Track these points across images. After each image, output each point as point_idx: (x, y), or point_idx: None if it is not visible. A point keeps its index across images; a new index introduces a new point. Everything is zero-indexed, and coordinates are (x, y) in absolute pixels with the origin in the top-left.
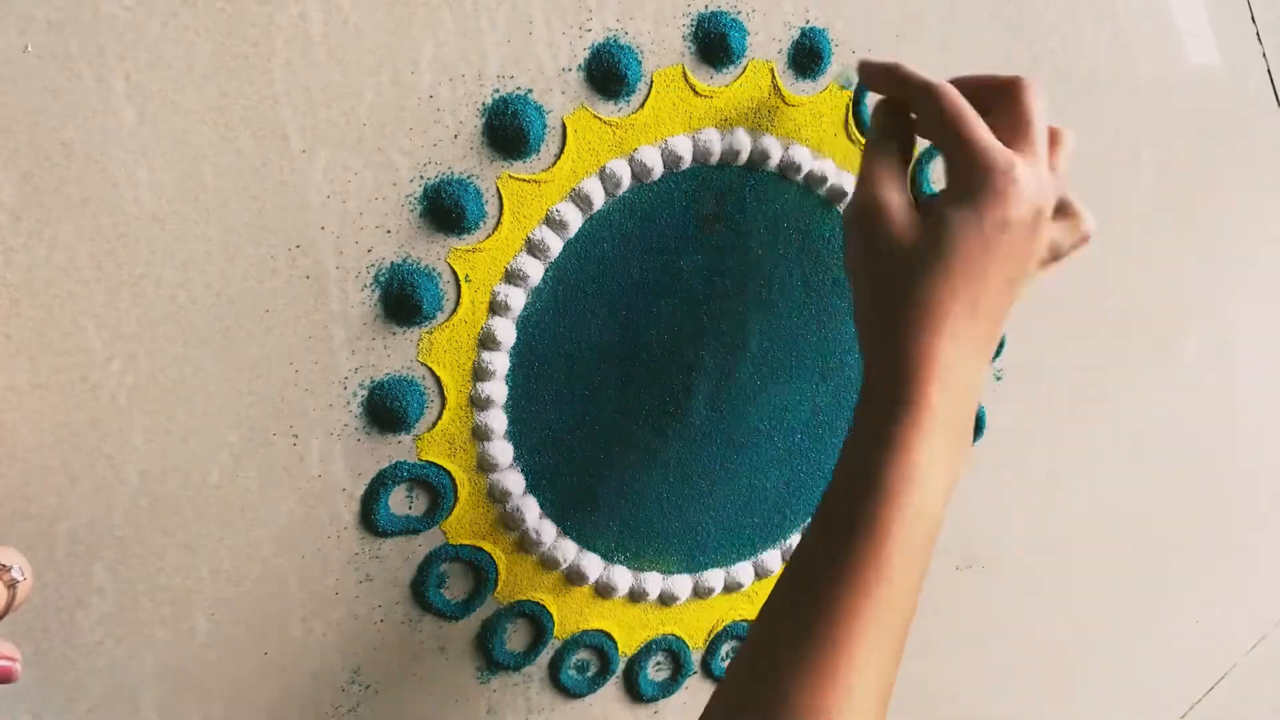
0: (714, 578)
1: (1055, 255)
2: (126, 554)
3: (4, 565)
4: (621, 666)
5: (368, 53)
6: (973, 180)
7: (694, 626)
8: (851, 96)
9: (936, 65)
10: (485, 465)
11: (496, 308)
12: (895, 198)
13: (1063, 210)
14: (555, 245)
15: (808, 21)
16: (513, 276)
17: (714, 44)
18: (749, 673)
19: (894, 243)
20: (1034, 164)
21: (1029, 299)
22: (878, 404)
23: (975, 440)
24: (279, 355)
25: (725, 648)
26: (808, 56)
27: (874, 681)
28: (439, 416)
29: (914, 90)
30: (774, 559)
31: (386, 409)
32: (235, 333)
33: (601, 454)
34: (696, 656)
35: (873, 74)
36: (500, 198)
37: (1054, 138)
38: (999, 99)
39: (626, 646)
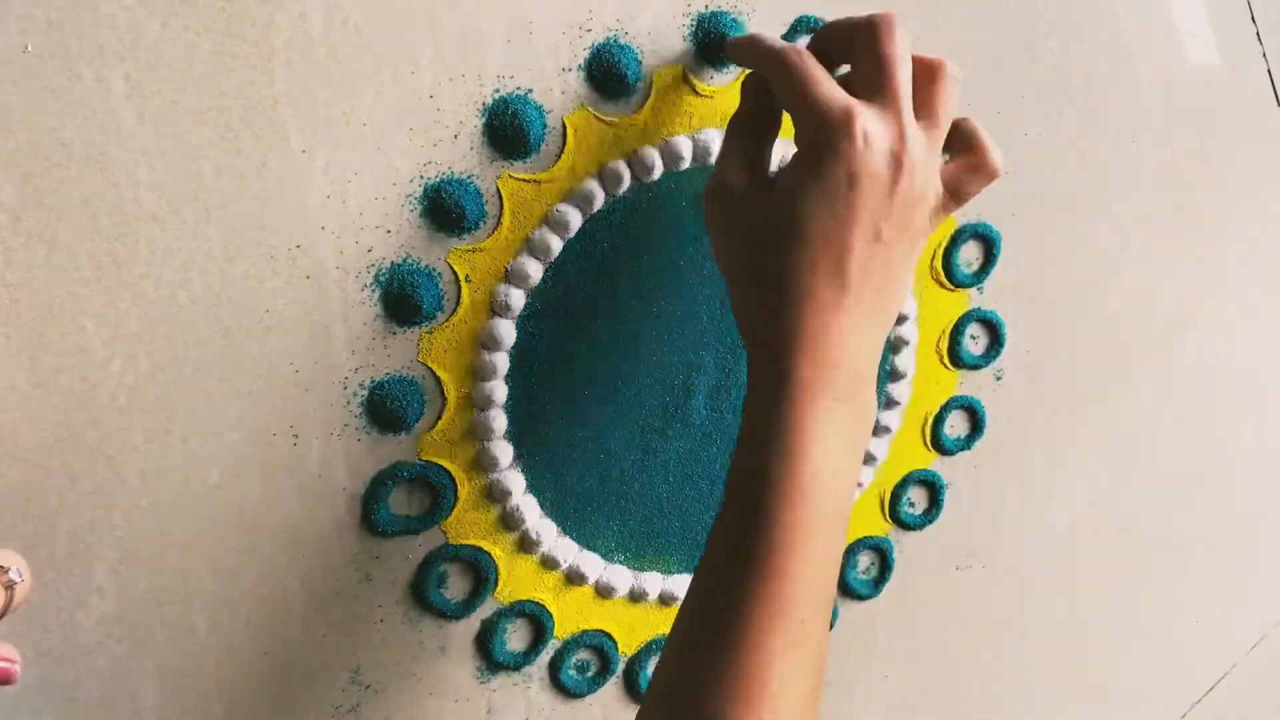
0: None
1: (957, 197)
2: (126, 554)
3: (2, 566)
4: (621, 666)
5: (368, 53)
6: (811, 139)
7: None
8: None
9: None
10: (485, 465)
11: (496, 308)
12: (740, 175)
13: (965, 146)
14: (555, 245)
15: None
16: (513, 276)
17: (714, 44)
18: (668, 684)
19: (743, 221)
20: (885, 110)
21: (1022, 301)
22: (756, 388)
23: (975, 440)
24: (279, 355)
25: None
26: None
27: (793, 677)
28: (439, 416)
29: (763, 58)
30: None
31: (386, 409)
32: (235, 332)
33: (602, 454)
34: None
35: (735, 49)
36: (500, 198)
37: (931, 71)
38: (859, 45)
39: (626, 646)
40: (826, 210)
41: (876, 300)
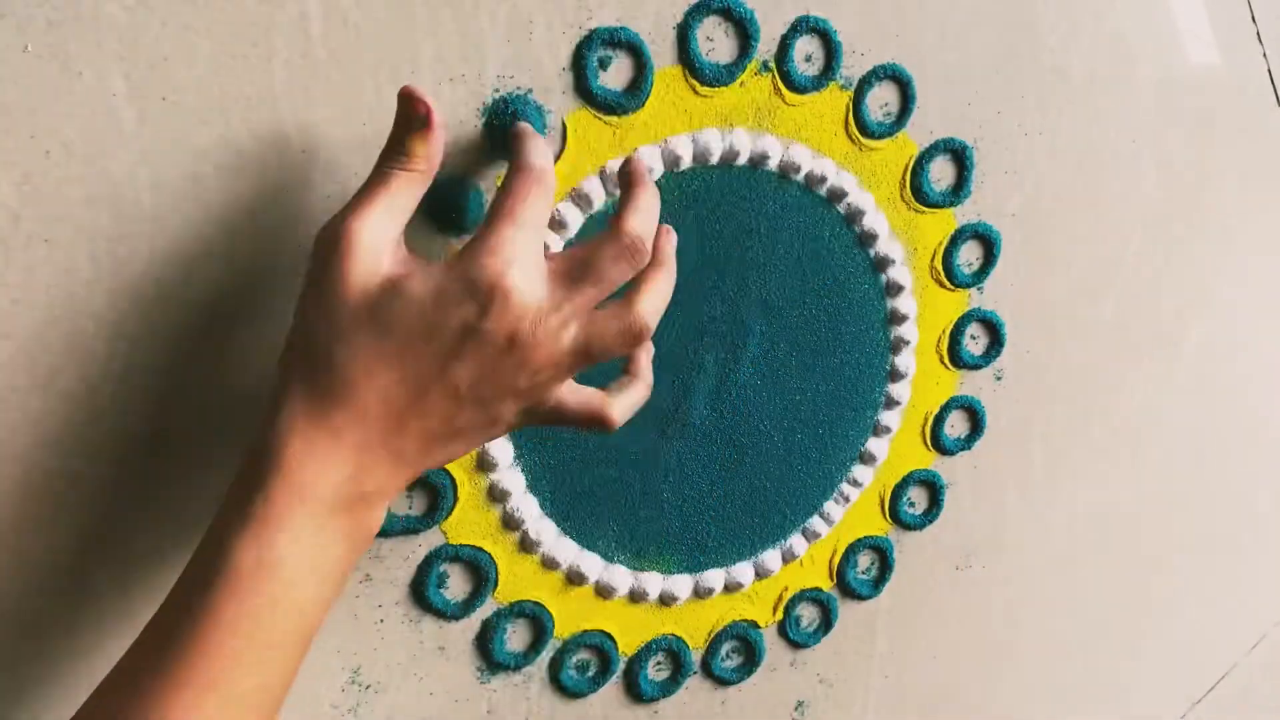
0: (714, 578)
1: (588, 356)
2: (128, 555)
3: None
4: (621, 666)
5: (368, 53)
6: (470, 266)
7: (694, 626)
8: (851, 97)
9: (937, 65)
10: (485, 465)
11: None
12: (379, 233)
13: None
14: (555, 245)
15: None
16: None
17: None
18: None
19: (344, 288)
20: (526, 268)
21: (1022, 301)
22: (250, 471)
23: (975, 440)
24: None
25: (725, 648)
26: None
27: None
28: None
29: (519, 148)
30: (774, 559)
31: None
32: (236, 333)
33: (601, 454)
34: (696, 656)
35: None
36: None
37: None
38: None
39: (626, 646)
40: (433, 339)
41: (416, 449)
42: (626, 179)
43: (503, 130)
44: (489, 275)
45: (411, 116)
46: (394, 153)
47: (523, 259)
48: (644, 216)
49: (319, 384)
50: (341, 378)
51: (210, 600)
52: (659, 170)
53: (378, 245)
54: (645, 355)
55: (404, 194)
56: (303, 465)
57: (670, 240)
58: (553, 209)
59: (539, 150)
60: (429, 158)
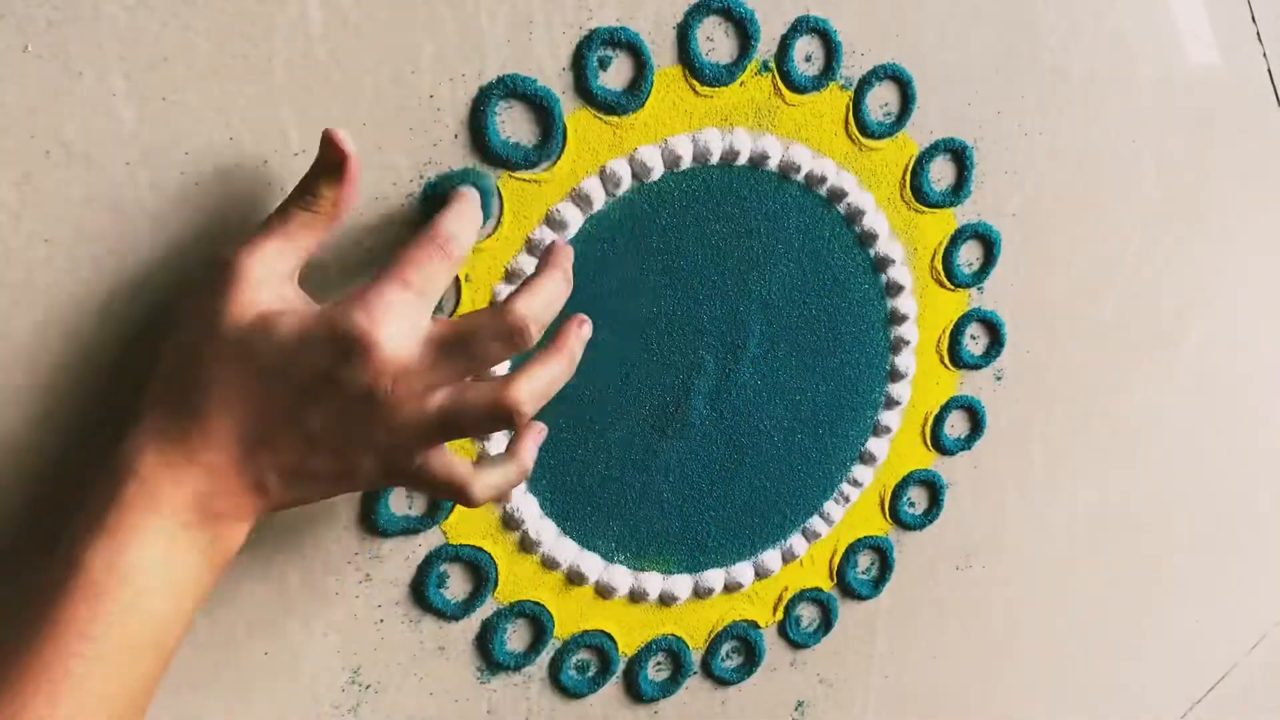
0: (714, 578)
1: (454, 428)
2: None
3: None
4: (621, 666)
5: (368, 53)
6: (340, 316)
7: (694, 626)
8: (851, 97)
9: (937, 65)
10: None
11: None
12: (267, 268)
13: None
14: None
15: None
16: (513, 276)
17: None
18: None
19: (219, 317)
20: (397, 327)
21: (1022, 301)
22: (104, 481)
23: (975, 440)
24: None
25: (725, 648)
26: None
27: None
28: None
29: (443, 211)
30: (774, 559)
31: None
32: None
33: (601, 454)
34: (696, 656)
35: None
36: (500, 198)
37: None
38: None
39: (626, 646)
40: (308, 378)
41: (277, 481)
42: (542, 261)
43: (441, 198)
44: (355, 327)
45: (327, 160)
46: (302, 191)
47: (397, 319)
48: (537, 301)
49: (178, 405)
50: (199, 402)
51: (63, 605)
52: (659, 170)
53: (262, 280)
54: (529, 439)
55: (302, 234)
56: (156, 476)
57: (578, 333)
58: (455, 276)
59: (459, 218)
60: (336, 203)
